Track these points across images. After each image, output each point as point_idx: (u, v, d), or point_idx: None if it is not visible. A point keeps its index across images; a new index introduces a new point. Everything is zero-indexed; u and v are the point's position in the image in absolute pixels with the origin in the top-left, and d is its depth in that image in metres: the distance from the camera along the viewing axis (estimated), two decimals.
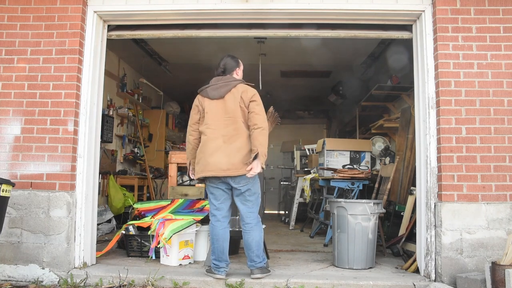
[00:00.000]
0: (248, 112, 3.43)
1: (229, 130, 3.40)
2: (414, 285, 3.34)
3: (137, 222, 4.38)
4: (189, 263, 3.99)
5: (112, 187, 6.34)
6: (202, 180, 3.50)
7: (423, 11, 3.72)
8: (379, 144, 6.55)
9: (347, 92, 8.23)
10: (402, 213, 4.67)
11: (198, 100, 3.59)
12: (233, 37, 4.26)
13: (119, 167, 7.19)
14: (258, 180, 3.49)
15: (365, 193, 5.76)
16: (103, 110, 6.20)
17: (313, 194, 6.62)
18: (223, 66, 3.63)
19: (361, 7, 3.76)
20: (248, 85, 3.56)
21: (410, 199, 4.46)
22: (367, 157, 5.85)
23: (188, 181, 5.14)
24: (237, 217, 4.01)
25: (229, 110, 3.43)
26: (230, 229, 3.57)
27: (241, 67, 3.71)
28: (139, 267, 3.76)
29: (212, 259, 3.44)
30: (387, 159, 5.89)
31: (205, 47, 6.42)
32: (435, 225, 3.49)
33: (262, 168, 3.37)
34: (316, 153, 6.46)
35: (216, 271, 3.41)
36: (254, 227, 3.42)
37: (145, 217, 4.46)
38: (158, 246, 3.85)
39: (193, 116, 3.57)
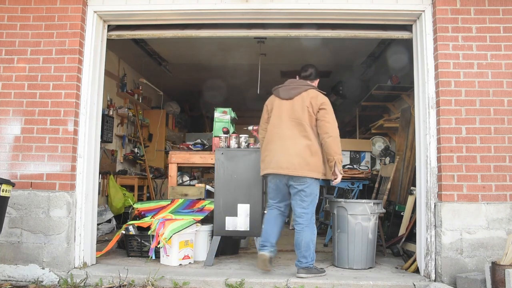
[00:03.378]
0: (317, 120, 3.49)
1: (294, 131, 3.49)
2: (414, 285, 3.34)
3: (137, 222, 4.38)
4: (189, 263, 3.99)
5: (112, 187, 6.34)
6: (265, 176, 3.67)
7: (423, 11, 3.72)
8: (379, 144, 6.56)
9: (347, 92, 8.22)
10: (402, 213, 4.67)
11: (269, 99, 3.75)
12: (233, 37, 4.26)
13: (119, 167, 7.19)
14: (317, 183, 3.55)
15: (365, 193, 5.76)
16: (103, 110, 6.20)
17: None
18: (310, 72, 3.73)
19: (361, 7, 3.76)
20: (320, 92, 3.62)
21: (410, 199, 4.46)
22: (367, 157, 5.86)
23: (188, 181, 5.14)
24: (237, 217, 4.00)
25: (295, 112, 3.51)
26: (231, 229, 3.74)
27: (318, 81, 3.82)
28: (139, 267, 3.76)
29: (260, 240, 3.65)
30: (387, 159, 5.90)
31: (205, 47, 6.42)
32: (435, 225, 3.49)
33: (341, 173, 3.53)
34: None
35: (261, 249, 3.57)
36: (305, 228, 3.47)
37: (145, 217, 4.45)
38: (158, 246, 3.85)
39: (263, 115, 3.76)
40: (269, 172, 3.55)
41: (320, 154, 3.51)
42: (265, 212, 3.73)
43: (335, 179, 3.52)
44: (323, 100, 3.53)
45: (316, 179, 3.51)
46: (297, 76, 3.79)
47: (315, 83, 3.76)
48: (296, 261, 3.53)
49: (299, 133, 3.48)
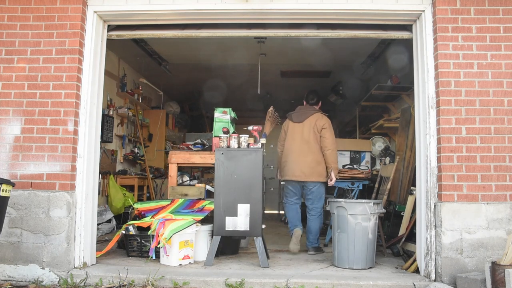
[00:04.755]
0: (320, 137, 4.66)
1: (304, 148, 4.66)
2: (414, 285, 3.34)
3: (137, 222, 4.38)
4: (189, 263, 3.99)
5: (112, 187, 6.34)
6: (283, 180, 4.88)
7: (423, 11, 3.72)
8: (379, 144, 6.56)
9: (347, 92, 8.22)
10: (402, 213, 4.67)
11: (285, 123, 4.91)
12: (233, 37, 4.26)
13: (119, 167, 7.19)
14: (323, 185, 4.73)
15: (365, 193, 5.76)
16: (103, 110, 6.20)
17: None
18: (315, 99, 4.94)
19: (361, 7, 3.76)
20: (323, 114, 4.79)
21: (410, 199, 4.46)
22: (367, 157, 5.86)
23: (188, 181, 5.14)
24: (237, 217, 3.99)
25: (305, 132, 4.69)
26: (231, 229, 3.86)
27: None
28: (139, 267, 3.76)
29: (290, 225, 4.78)
30: (387, 159, 5.89)
31: (205, 47, 6.42)
32: (435, 225, 3.49)
33: (337, 178, 4.72)
34: None
35: (294, 227, 4.69)
36: (316, 219, 4.68)
37: (145, 217, 4.46)
38: (158, 246, 3.85)
39: (281, 134, 4.95)
40: (286, 179, 4.77)
41: (324, 163, 4.67)
42: (284, 205, 4.97)
43: (331, 180, 4.66)
44: (325, 121, 4.69)
45: (322, 182, 4.68)
46: (304, 102, 4.94)
47: (319, 105, 4.95)
48: (307, 242, 4.68)
49: (307, 149, 4.64)
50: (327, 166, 4.63)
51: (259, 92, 6.91)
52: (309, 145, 4.63)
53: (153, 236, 3.98)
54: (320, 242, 5.42)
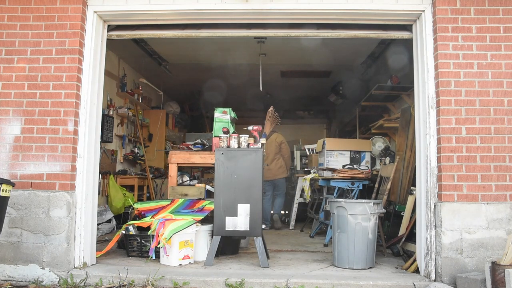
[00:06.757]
0: (280, 149, 6.95)
1: (271, 157, 6.86)
2: (414, 285, 3.34)
3: (137, 222, 4.38)
4: (189, 263, 3.99)
5: (112, 187, 6.34)
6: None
7: (423, 11, 3.72)
8: (379, 144, 6.55)
9: (347, 92, 8.22)
10: (402, 213, 4.66)
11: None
12: (233, 37, 4.26)
13: (119, 167, 7.19)
14: (285, 180, 7.16)
15: (365, 193, 5.76)
16: (103, 110, 6.20)
17: (313, 194, 6.62)
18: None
19: (361, 7, 3.76)
20: (279, 133, 7.01)
21: (410, 199, 4.46)
22: (367, 157, 5.85)
23: (188, 181, 5.14)
24: (237, 217, 3.99)
25: (271, 147, 6.88)
26: (231, 229, 3.86)
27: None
28: (139, 267, 3.76)
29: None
30: (387, 159, 5.89)
31: (205, 47, 6.42)
32: (435, 225, 3.49)
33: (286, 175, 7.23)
34: (316, 153, 6.46)
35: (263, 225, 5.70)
36: (280, 196, 7.10)
37: (145, 217, 4.46)
38: (158, 246, 3.85)
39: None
40: (264, 179, 5.92)
41: (284, 165, 7.04)
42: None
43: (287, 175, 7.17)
44: (282, 138, 7.01)
45: (284, 177, 7.10)
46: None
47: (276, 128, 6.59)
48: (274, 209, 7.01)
49: (274, 157, 6.91)
50: (286, 168, 7.12)
51: (261, 89, 6.95)
52: (274, 155, 6.90)
53: (153, 236, 3.98)
54: (320, 242, 5.45)
